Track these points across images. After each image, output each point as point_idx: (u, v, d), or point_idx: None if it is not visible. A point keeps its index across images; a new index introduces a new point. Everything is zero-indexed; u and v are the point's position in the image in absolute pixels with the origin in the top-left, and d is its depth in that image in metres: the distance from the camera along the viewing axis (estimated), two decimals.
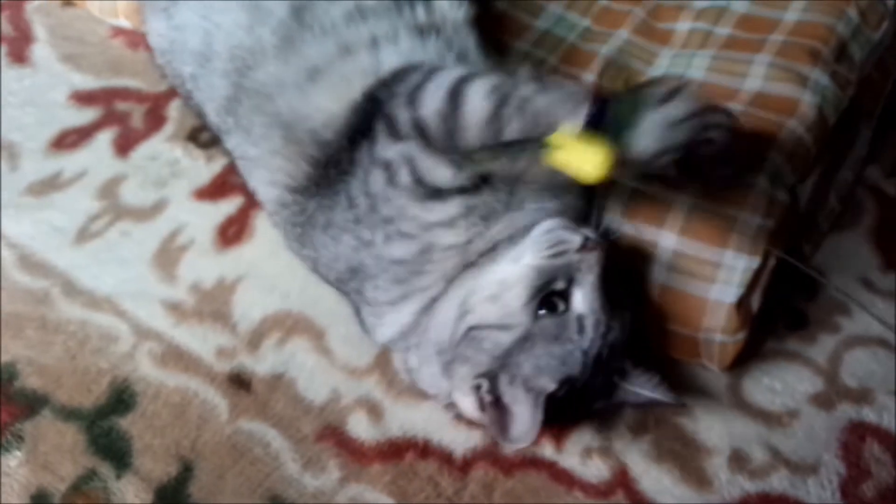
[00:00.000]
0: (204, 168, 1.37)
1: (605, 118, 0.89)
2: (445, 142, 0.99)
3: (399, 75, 1.06)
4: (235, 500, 1.07)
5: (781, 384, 1.15)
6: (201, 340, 1.20)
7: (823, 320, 1.20)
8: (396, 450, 1.11)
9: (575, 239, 1.00)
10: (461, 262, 1.03)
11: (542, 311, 0.99)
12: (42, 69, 1.51)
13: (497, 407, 1.00)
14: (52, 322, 1.21)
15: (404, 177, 1.01)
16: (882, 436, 1.11)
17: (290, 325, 1.21)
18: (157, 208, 1.33)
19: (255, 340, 1.20)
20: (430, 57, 1.12)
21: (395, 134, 1.02)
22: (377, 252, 1.04)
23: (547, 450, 1.11)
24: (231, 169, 1.30)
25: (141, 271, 1.26)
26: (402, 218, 1.02)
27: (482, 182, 1.01)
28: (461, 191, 1.01)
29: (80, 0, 1.56)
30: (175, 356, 1.18)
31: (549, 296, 0.99)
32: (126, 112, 1.44)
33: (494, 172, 1.00)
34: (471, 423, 1.10)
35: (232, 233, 1.30)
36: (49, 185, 1.36)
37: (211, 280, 1.25)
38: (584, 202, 1.10)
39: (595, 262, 0.99)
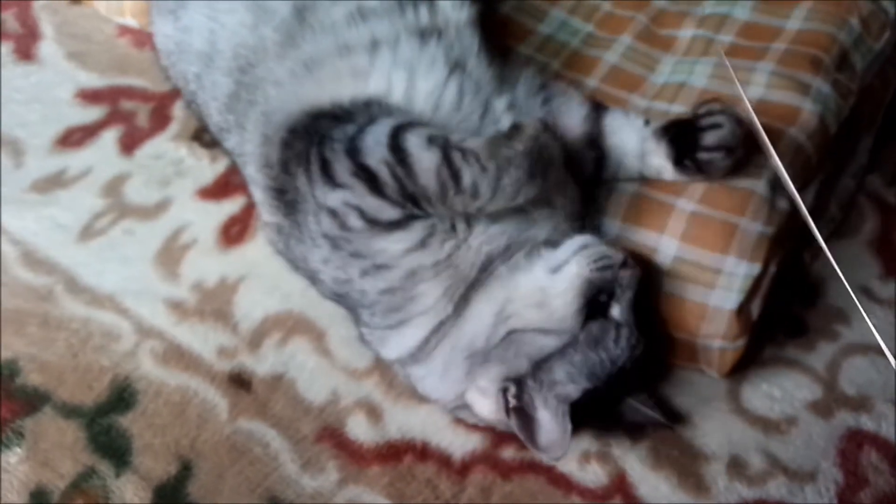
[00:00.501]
0: (208, 168, 1.37)
1: None
2: (400, 188, 0.98)
3: (337, 116, 1.05)
4: (234, 500, 1.07)
5: (780, 391, 1.15)
6: (202, 339, 1.20)
7: (822, 328, 1.21)
8: (395, 452, 1.11)
9: (618, 256, 1.02)
10: (459, 280, 1.02)
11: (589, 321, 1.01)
12: (48, 66, 1.51)
13: (521, 413, 1.01)
14: (55, 319, 1.21)
15: (354, 220, 1.00)
16: (880, 444, 1.11)
17: (290, 325, 1.21)
18: (160, 207, 1.33)
19: (255, 340, 1.20)
20: (427, 63, 1.10)
21: (331, 181, 1.01)
22: (358, 287, 1.04)
23: None
24: (234, 169, 1.30)
25: (144, 270, 1.27)
26: (371, 253, 1.01)
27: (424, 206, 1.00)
28: (415, 217, 1.01)
29: None
30: (176, 355, 1.18)
31: (594, 306, 1.01)
32: (131, 111, 1.45)
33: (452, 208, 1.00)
34: (470, 426, 1.10)
35: (235, 232, 1.30)
36: (53, 183, 1.36)
37: (213, 279, 1.26)
38: (580, 207, 1.11)
39: (634, 281, 1.03)
